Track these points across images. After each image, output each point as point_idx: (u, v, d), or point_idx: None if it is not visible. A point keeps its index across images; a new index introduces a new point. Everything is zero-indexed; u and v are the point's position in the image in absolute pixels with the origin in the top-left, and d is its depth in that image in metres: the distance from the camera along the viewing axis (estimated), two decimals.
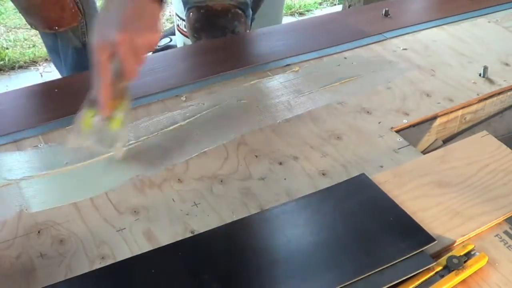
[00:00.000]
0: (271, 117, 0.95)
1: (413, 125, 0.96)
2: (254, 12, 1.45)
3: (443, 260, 0.68)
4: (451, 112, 1.00)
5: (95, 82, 0.78)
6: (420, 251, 0.69)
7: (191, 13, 1.31)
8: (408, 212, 0.74)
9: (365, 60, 1.12)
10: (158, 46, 2.55)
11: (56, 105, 0.98)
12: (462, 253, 0.68)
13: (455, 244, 0.71)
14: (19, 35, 2.84)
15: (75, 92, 1.03)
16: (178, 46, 2.24)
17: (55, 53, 1.42)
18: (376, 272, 0.66)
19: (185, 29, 2.09)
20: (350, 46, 1.16)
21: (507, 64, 1.12)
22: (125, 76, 0.79)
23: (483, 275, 0.67)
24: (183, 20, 2.08)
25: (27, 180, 0.82)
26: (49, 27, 1.33)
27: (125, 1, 0.77)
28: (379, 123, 0.95)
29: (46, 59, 2.69)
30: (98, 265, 0.69)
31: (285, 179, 0.83)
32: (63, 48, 1.38)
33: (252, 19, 1.43)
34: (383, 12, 1.29)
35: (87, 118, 0.79)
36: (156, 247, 0.71)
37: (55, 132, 0.91)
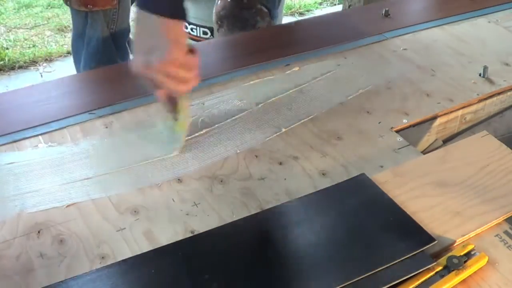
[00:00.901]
0: (271, 117, 0.95)
1: (413, 125, 0.96)
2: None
3: (443, 260, 0.68)
4: (451, 112, 1.00)
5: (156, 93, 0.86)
6: (420, 251, 0.69)
7: (220, 1, 1.39)
8: (408, 212, 0.74)
9: (365, 60, 1.12)
10: None
11: (57, 105, 0.98)
12: (462, 253, 0.68)
13: (455, 244, 0.71)
14: (19, 35, 2.84)
15: (75, 92, 1.03)
16: None
17: (80, 40, 1.43)
18: (376, 272, 0.66)
19: (185, 29, 2.10)
20: (350, 46, 1.16)
21: (507, 64, 1.12)
22: (176, 92, 0.85)
23: (483, 275, 0.67)
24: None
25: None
26: (85, 4, 1.35)
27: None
28: (379, 123, 0.95)
29: (46, 59, 2.69)
30: (98, 265, 0.69)
31: (285, 179, 0.83)
32: (90, 31, 1.40)
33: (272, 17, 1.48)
34: (383, 12, 1.29)
35: (181, 113, 0.88)
36: (156, 247, 0.71)
37: (55, 132, 0.91)
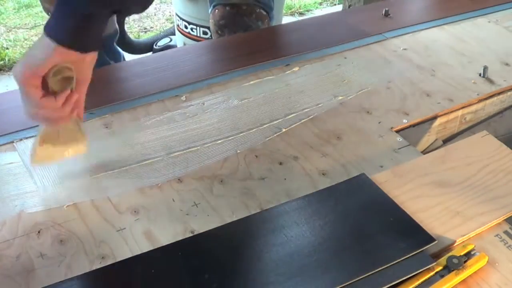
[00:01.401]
0: (272, 117, 0.95)
1: (413, 125, 0.96)
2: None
3: (443, 260, 0.68)
4: (451, 112, 1.00)
5: None
6: (420, 251, 0.69)
7: (216, 10, 1.36)
8: (408, 212, 0.74)
9: (365, 60, 1.12)
10: (158, 46, 2.55)
11: None
12: (462, 253, 0.68)
13: (455, 244, 0.71)
14: (19, 35, 2.84)
15: None
16: (178, 46, 2.24)
17: None
18: (376, 272, 0.66)
19: (185, 29, 2.10)
20: (350, 46, 1.16)
21: (507, 64, 1.12)
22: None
23: (483, 275, 0.67)
24: (183, 20, 2.09)
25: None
26: None
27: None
28: (379, 123, 0.95)
29: None
30: (98, 265, 0.69)
31: (285, 179, 0.83)
32: None
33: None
34: (383, 12, 1.29)
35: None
36: (156, 247, 0.71)
37: None
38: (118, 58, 1.53)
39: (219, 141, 0.90)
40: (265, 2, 1.36)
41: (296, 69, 1.08)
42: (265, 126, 0.93)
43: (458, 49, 1.17)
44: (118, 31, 1.56)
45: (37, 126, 0.91)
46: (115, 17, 1.50)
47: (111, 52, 1.50)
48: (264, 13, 1.36)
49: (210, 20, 1.41)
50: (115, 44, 1.55)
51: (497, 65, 1.11)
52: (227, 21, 1.35)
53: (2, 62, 2.62)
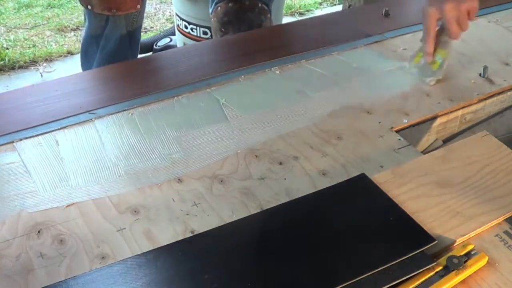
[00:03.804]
0: (273, 117, 0.95)
1: (413, 125, 0.96)
2: None
3: (443, 260, 0.68)
4: (451, 112, 1.00)
5: (424, 36, 1.04)
6: (420, 251, 0.69)
7: (219, 7, 1.36)
8: (408, 212, 0.74)
9: (365, 60, 1.12)
10: (158, 46, 2.55)
11: (57, 105, 0.98)
12: (462, 253, 0.68)
13: (455, 244, 0.71)
14: (19, 35, 2.84)
15: (75, 92, 1.03)
16: (178, 46, 2.24)
17: (95, 42, 1.41)
18: (376, 272, 0.66)
19: (185, 29, 2.10)
20: (350, 46, 1.16)
21: (507, 64, 1.12)
22: (449, 35, 1.03)
23: (483, 275, 0.67)
24: (183, 20, 2.09)
25: None
26: (108, 8, 1.32)
27: None
28: (379, 123, 0.95)
29: (46, 59, 2.69)
30: (98, 265, 0.69)
31: (285, 179, 0.83)
32: (109, 33, 1.37)
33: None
34: (383, 12, 1.29)
35: (418, 56, 1.07)
36: (156, 247, 0.71)
37: (55, 132, 0.91)
38: (136, 53, 1.52)
39: (219, 141, 0.90)
40: None
41: (296, 69, 1.08)
42: (265, 126, 0.93)
43: (458, 49, 1.16)
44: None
45: (36, 126, 0.92)
46: (145, 9, 1.49)
47: (134, 47, 1.48)
48: (266, 7, 1.36)
49: (213, 19, 1.40)
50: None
51: (497, 65, 1.11)
52: (231, 17, 1.35)
53: (2, 62, 2.62)
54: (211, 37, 2.03)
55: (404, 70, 1.08)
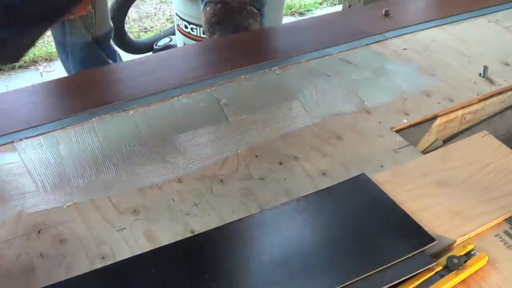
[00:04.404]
0: (273, 117, 0.95)
1: (413, 125, 0.96)
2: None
3: (443, 260, 0.68)
4: (451, 112, 1.00)
5: None
6: (420, 251, 0.69)
7: (208, 8, 1.37)
8: (408, 212, 0.74)
9: (365, 60, 1.12)
10: (158, 46, 2.55)
11: (56, 106, 0.98)
12: (462, 253, 0.68)
13: (455, 244, 0.71)
14: None
15: (75, 92, 1.03)
16: (178, 46, 2.24)
17: (63, 49, 1.42)
18: (376, 272, 0.66)
19: (185, 29, 2.10)
20: (350, 46, 1.16)
21: (507, 64, 1.12)
22: None
23: (483, 275, 0.67)
24: (183, 20, 2.09)
25: None
26: None
27: None
28: (379, 123, 0.95)
29: (46, 59, 2.69)
30: (98, 265, 0.69)
31: (285, 179, 0.83)
32: (73, 42, 1.39)
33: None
34: (383, 12, 1.29)
35: None
36: (156, 247, 0.71)
37: (55, 132, 0.91)
38: (114, 57, 1.53)
39: (219, 141, 0.90)
40: None
41: (296, 69, 1.08)
42: (265, 126, 0.93)
43: (458, 49, 1.16)
44: (113, 29, 1.56)
45: (36, 126, 0.92)
46: (109, 15, 1.50)
47: (108, 51, 1.50)
48: (256, 10, 1.36)
49: (202, 18, 1.41)
50: (111, 42, 1.55)
51: (497, 65, 1.11)
52: (219, 19, 1.36)
53: None
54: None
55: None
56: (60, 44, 1.42)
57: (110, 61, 1.49)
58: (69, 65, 1.46)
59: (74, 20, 1.35)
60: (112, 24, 1.54)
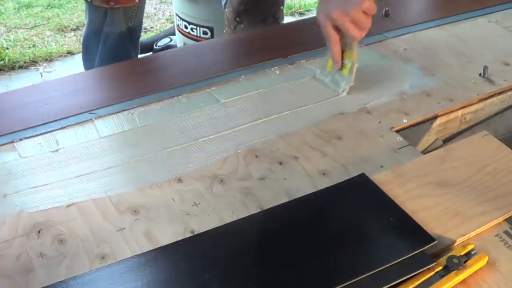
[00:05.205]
0: (273, 117, 0.96)
1: (413, 125, 0.96)
2: None
3: (443, 260, 0.67)
4: (451, 112, 1.00)
5: (327, 44, 1.01)
6: (420, 251, 0.69)
7: None
8: (408, 212, 0.74)
9: (365, 60, 1.12)
10: (158, 46, 2.55)
11: (57, 105, 0.98)
12: (462, 253, 0.68)
13: (455, 244, 0.71)
14: (19, 35, 2.84)
15: (75, 92, 1.03)
16: (178, 46, 2.25)
17: (95, 38, 1.42)
18: (376, 272, 0.66)
19: (185, 29, 2.10)
20: None
21: (507, 64, 1.12)
22: (351, 37, 0.98)
23: (483, 275, 0.67)
24: (183, 20, 2.09)
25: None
26: (107, 1, 1.34)
27: None
28: (379, 123, 0.95)
29: (46, 59, 2.69)
30: (98, 265, 0.69)
31: (285, 179, 0.83)
32: (109, 29, 1.38)
33: None
34: (383, 12, 1.29)
35: (329, 63, 1.03)
36: (156, 247, 0.71)
37: (55, 132, 0.91)
38: (137, 52, 1.52)
39: (219, 141, 0.90)
40: None
41: (295, 69, 1.08)
42: (266, 126, 0.93)
43: (458, 49, 1.16)
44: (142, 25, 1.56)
45: (36, 126, 0.92)
46: (144, 7, 1.49)
47: (135, 45, 1.49)
48: None
49: (227, 9, 1.40)
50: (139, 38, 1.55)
51: (497, 65, 1.11)
52: (247, 7, 1.35)
53: (2, 62, 2.62)
54: (211, 37, 2.04)
55: (318, 79, 1.05)
56: (95, 32, 1.42)
57: (134, 56, 1.48)
58: (93, 57, 1.44)
59: (117, 10, 1.35)
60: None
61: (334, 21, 0.96)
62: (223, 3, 1.44)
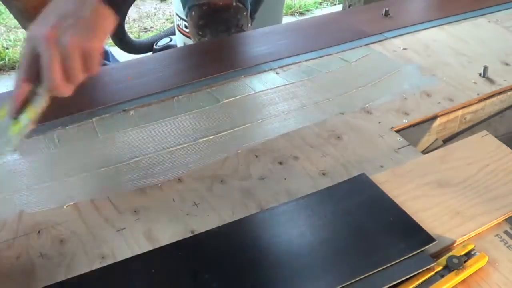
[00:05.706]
0: (273, 117, 0.96)
1: (413, 125, 0.96)
2: (254, 12, 1.45)
3: (443, 260, 0.68)
4: (451, 112, 1.00)
5: (16, 77, 0.68)
6: (420, 251, 0.69)
7: (193, 12, 1.33)
8: (408, 212, 0.74)
9: (365, 60, 1.12)
10: (158, 46, 2.55)
11: (56, 106, 0.98)
12: (462, 253, 0.68)
13: (455, 244, 0.71)
14: (19, 35, 2.84)
15: (75, 92, 1.03)
16: (178, 46, 2.24)
17: None
18: (376, 272, 0.66)
19: (185, 29, 2.09)
20: (350, 46, 1.16)
21: (507, 64, 1.12)
22: (48, 86, 0.66)
23: (483, 275, 0.67)
24: (184, 20, 2.08)
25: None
26: None
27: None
28: (379, 123, 0.95)
29: None
30: (98, 265, 0.69)
31: (285, 179, 0.83)
32: None
33: (253, 19, 1.43)
34: (383, 12, 1.29)
35: (2, 111, 0.71)
36: (156, 247, 0.71)
37: (55, 132, 0.91)
38: (107, 57, 1.52)
39: (219, 141, 0.90)
40: None
41: (295, 69, 1.08)
42: (266, 126, 0.93)
43: (458, 49, 1.17)
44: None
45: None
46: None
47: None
48: (241, 5, 1.34)
49: (189, 23, 1.37)
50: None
51: (497, 65, 1.11)
52: (207, 20, 1.32)
53: (2, 62, 2.62)
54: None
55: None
56: None
57: (105, 62, 1.48)
58: None
59: None
60: None
61: (40, 47, 0.63)
62: (184, 15, 1.41)
